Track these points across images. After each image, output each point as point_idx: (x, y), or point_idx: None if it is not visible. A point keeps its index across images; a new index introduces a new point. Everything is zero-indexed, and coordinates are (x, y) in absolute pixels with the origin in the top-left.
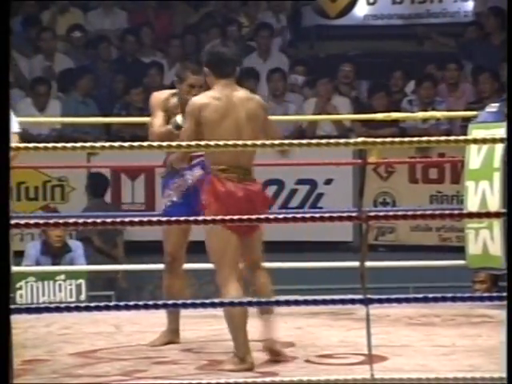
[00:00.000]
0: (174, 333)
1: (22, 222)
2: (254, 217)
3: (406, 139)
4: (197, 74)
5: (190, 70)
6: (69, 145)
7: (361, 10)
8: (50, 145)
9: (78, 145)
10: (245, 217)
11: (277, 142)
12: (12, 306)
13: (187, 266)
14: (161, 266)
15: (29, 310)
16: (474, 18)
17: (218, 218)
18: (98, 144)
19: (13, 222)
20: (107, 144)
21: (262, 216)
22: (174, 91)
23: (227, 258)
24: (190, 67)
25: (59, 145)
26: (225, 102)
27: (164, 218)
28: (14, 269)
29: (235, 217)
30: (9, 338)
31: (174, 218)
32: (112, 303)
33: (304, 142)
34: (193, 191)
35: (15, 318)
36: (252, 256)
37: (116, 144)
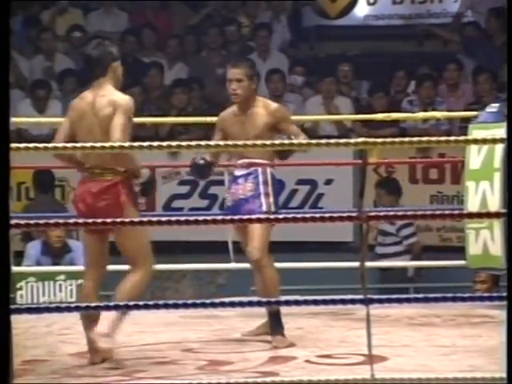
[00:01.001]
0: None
1: (22, 222)
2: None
3: (407, 139)
4: (235, 67)
5: (230, 65)
6: (69, 145)
7: (361, 10)
8: (50, 145)
9: (78, 145)
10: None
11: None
12: (12, 306)
13: (187, 266)
14: (163, 267)
15: (29, 310)
16: (473, 18)
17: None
18: (97, 144)
19: (13, 222)
20: (107, 144)
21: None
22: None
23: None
24: (232, 62)
25: (59, 145)
26: (82, 104)
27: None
28: (15, 269)
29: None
30: (9, 338)
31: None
32: (112, 303)
33: (304, 142)
34: (244, 200)
35: (15, 318)
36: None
37: (116, 144)
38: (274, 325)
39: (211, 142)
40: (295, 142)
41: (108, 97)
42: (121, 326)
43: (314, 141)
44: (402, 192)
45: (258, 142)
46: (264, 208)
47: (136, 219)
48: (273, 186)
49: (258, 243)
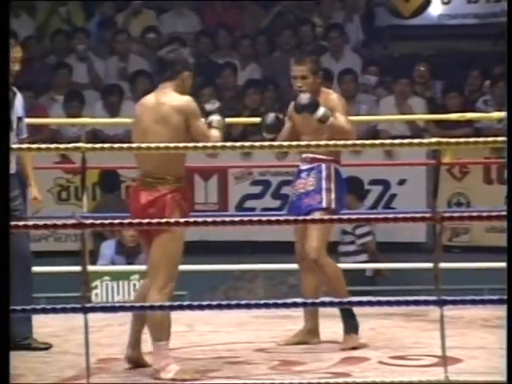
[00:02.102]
0: (309, 333)
1: (97, 221)
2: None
3: (481, 139)
4: (299, 64)
5: (294, 61)
6: (139, 145)
7: (435, 9)
8: (117, 145)
9: (144, 145)
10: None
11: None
12: (88, 305)
13: (259, 266)
14: (235, 267)
15: (104, 309)
16: None
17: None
18: (161, 145)
19: (88, 221)
20: (172, 145)
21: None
22: None
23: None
24: (295, 57)
25: (125, 145)
26: (142, 107)
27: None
28: (90, 268)
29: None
30: (9, 338)
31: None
32: (185, 303)
33: (377, 142)
34: (304, 195)
35: (91, 317)
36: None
37: (181, 145)
38: (346, 321)
39: (284, 143)
40: (368, 142)
41: (171, 103)
42: (168, 350)
43: (387, 141)
44: (364, 192)
45: (330, 143)
46: (324, 204)
47: (185, 220)
48: (336, 182)
49: (314, 243)
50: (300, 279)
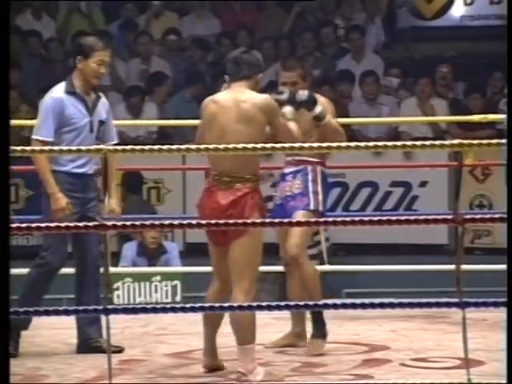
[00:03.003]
0: (297, 336)
1: (119, 223)
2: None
3: (504, 141)
4: (287, 70)
5: (281, 67)
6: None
7: (458, 10)
8: (138, 147)
9: (165, 147)
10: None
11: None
12: (109, 306)
13: (280, 268)
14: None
15: (126, 311)
16: None
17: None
18: (182, 146)
19: (110, 223)
20: (193, 146)
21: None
22: None
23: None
24: (281, 64)
25: (147, 147)
26: (218, 105)
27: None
28: (112, 269)
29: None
30: (8, 338)
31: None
32: (207, 304)
33: (399, 144)
34: (290, 198)
35: (113, 318)
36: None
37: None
38: (315, 326)
39: (306, 145)
40: (390, 144)
41: (252, 101)
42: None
43: (409, 142)
44: None
45: (350, 144)
46: (311, 206)
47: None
48: (322, 184)
49: (296, 240)
50: (287, 283)
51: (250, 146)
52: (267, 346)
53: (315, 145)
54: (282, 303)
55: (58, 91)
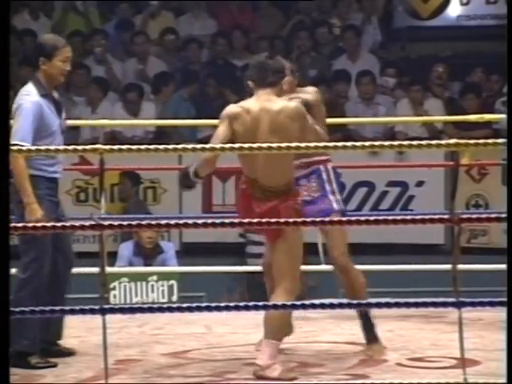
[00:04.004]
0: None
1: (116, 223)
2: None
3: (500, 140)
4: None
5: None
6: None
7: (454, 10)
8: (135, 147)
9: (161, 147)
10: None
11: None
12: (106, 306)
13: None
14: (251, 268)
15: (122, 310)
16: None
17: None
18: (179, 146)
19: (106, 223)
20: (189, 146)
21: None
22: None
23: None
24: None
25: (143, 147)
26: (252, 116)
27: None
28: (108, 269)
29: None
30: (8, 338)
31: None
32: (203, 304)
33: (395, 143)
34: (310, 202)
35: (109, 318)
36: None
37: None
38: (367, 332)
39: (302, 144)
40: (386, 143)
41: (285, 111)
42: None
43: (406, 142)
44: None
45: (347, 144)
46: (336, 207)
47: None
48: (336, 182)
49: (341, 249)
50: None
51: (245, 146)
52: (257, 348)
53: (312, 145)
54: (270, 303)
55: (33, 94)
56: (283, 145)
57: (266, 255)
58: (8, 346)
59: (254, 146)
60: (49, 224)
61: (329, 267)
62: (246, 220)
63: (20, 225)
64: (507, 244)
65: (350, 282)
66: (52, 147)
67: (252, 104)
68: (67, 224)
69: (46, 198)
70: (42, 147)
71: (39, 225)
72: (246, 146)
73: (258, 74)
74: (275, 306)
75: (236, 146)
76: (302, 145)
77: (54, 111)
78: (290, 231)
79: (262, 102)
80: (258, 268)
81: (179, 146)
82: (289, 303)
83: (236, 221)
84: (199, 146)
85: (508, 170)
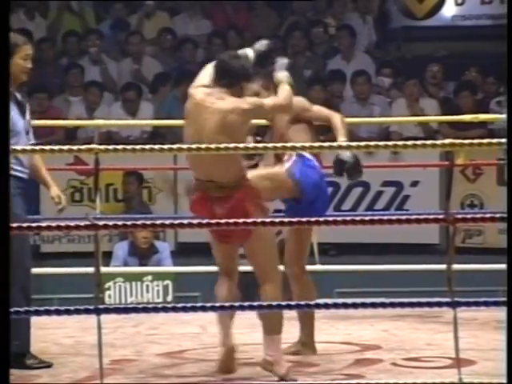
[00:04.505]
0: (303, 345)
1: (111, 223)
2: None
3: (495, 140)
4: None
5: None
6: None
7: (449, 10)
8: (130, 147)
9: (156, 147)
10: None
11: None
12: (101, 306)
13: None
14: (249, 268)
15: (117, 310)
16: None
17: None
18: (174, 146)
19: (101, 223)
20: (185, 146)
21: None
22: None
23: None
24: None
25: (138, 147)
26: (199, 108)
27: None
28: (103, 269)
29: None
30: (8, 338)
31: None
32: (198, 304)
33: (390, 143)
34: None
35: (104, 318)
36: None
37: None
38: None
39: (298, 144)
40: (381, 143)
41: (229, 102)
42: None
43: (400, 142)
44: None
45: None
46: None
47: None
48: (302, 168)
49: (296, 255)
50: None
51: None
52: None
53: (307, 144)
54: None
55: None
56: (279, 145)
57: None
58: (8, 346)
59: (250, 145)
60: (44, 224)
61: (323, 267)
62: (241, 220)
63: (15, 225)
64: (507, 244)
65: (299, 292)
66: (46, 147)
67: (203, 93)
68: (62, 224)
69: (20, 197)
70: (37, 147)
71: (35, 225)
72: (241, 146)
73: (218, 71)
74: (270, 306)
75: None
76: (298, 145)
77: (18, 111)
78: (257, 228)
79: (213, 97)
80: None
81: (174, 146)
82: (284, 303)
83: (231, 221)
84: (194, 146)
85: (508, 169)
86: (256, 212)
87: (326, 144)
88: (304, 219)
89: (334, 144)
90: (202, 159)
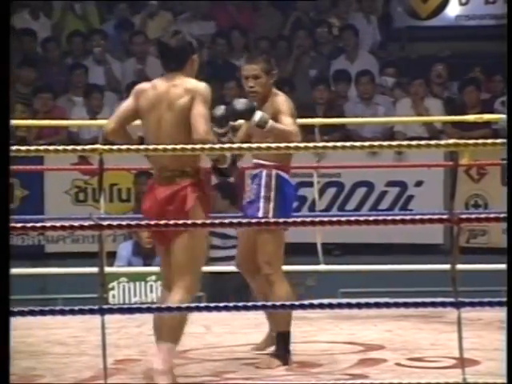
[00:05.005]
0: (272, 338)
1: (115, 223)
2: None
3: (499, 140)
4: (249, 63)
5: (244, 61)
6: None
7: (453, 10)
8: (134, 147)
9: (160, 147)
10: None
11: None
12: (105, 306)
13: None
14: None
15: (121, 311)
16: None
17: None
18: (178, 146)
19: (105, 223)
20: (189, 146)
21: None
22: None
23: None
24: (246, 58)
25: (142, 147)
26: (156, 91)
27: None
28: (107, 269)
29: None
30: (8, 338)
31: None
32: (202, 304)
33: (394, 143)
34: (248, 204)
35: (108, 318)
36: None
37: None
38: (277, 346)
39: (301, 145)
40: (385, 143)
41: (183, 86)
42: (175, 357)
43: (405, 142)
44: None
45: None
46: (260, 213)
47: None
48: (276, 190)
49: (265, 258)
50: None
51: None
52: (253, 349)
53: (311, 144)
54: (269, 303)
55: None
56: (274, 145)
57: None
58: (8, 345)
59: (247, 146)
60: (49, 225)
61: (327, 267)
62: (245, 220)
63: (19, 225)
64: (507, 244)
65: (271, 295)
66: (51, 147)
67: (160, 81)
68: (66, 224)
69: None
70: (41, 147)
71: (39, 225)
72: (245, 145)
73: (163, 58)
74: (274, 306)
75: (245, 145)
76: (302, 145)
77: None
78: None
79: (169, 80)
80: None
81: (178, 146)
82: (288, 303)
83: (235, 221)
84: (198, 146)
85: (508, 169)
86: (196, 205)
87: (330, 144)
88: (308, 219)
89: (338, 144)
90: (156, 138)
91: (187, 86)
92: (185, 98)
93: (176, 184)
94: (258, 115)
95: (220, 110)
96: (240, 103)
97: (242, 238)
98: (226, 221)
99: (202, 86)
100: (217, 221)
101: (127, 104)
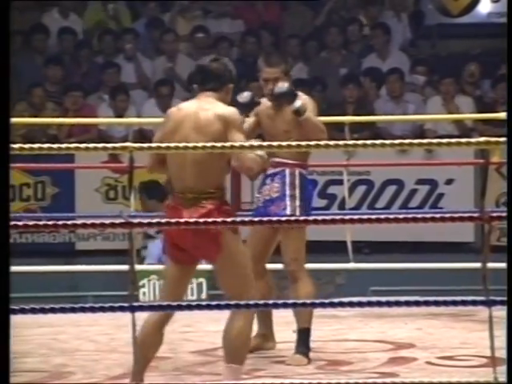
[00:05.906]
0: (263, 338)
1: (145, 221)
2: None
3: None
4: (270, 66)
5: (264, 63)
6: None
7: (484, 7)
8: (164, 145)
9: (181, 145)
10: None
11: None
12: (135, 304)
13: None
14: (280, 266)
15: (151, 308)
16: None
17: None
18: (190, 145)
19: (135, 221)
20: (219, 144)
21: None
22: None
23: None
24: (265, 60)
25: (172, 145)
26: (182, 113)
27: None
28: (137, 267)
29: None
30: (8, 338)
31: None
32: (232, 302)
33: (424, 141)
34: (270, 202)
35: (138, 316)
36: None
37: (228, 144)
38: (299, 343)
39: (331, 142)
40: (415, 141)
41: (214, 110)
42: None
43: (435, 140)
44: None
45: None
46: (288, 211)
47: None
48: (301, 188)
49: (292, 255)
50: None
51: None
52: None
53: (341, 142)
54: (290, 301)
55: None
56: (265, 143)
57: None
58: (8, 345)
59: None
60: (79, 222)
61: (357, 265)
62: (274, 219)
63: (20, 223)
64: (507, 244)
65: (295, 291)
66: (81, 145)
67: (189, 104)
68: (97, 222)
69: None
70: (72, 145)
71: (70, 223)
72: (256, 144)
73: (200, 77)
74: (304, 305)
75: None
76: (332, 143)
77: None
78: (227, 243)
79: (198, 102)
80: None
81: (208, 144)
82: (318, 301)
83: (265, 219)
84: (228, 144)
85: (508, 170)
86: (226, 230)
87: (360, 142)
88: (338, 218)
89: (368, 142)
90: (184, 167)
91: (218, 112)
92: (217, 124)
93: (202, 207)
94: (299, 101)
95: (243, 96)
96: (283, 87)
97: (252, 239)
98: (256, 219)
99: (233, 113)
100: (238, 219)
101: (157, 136)
